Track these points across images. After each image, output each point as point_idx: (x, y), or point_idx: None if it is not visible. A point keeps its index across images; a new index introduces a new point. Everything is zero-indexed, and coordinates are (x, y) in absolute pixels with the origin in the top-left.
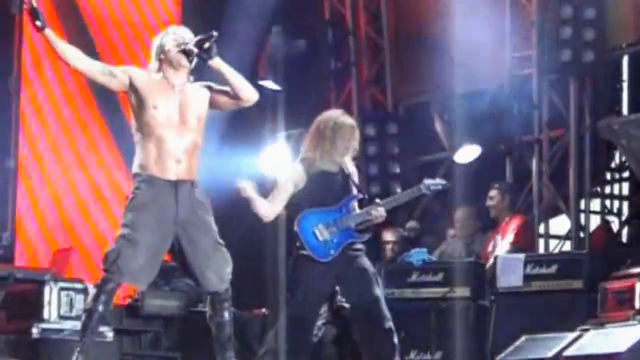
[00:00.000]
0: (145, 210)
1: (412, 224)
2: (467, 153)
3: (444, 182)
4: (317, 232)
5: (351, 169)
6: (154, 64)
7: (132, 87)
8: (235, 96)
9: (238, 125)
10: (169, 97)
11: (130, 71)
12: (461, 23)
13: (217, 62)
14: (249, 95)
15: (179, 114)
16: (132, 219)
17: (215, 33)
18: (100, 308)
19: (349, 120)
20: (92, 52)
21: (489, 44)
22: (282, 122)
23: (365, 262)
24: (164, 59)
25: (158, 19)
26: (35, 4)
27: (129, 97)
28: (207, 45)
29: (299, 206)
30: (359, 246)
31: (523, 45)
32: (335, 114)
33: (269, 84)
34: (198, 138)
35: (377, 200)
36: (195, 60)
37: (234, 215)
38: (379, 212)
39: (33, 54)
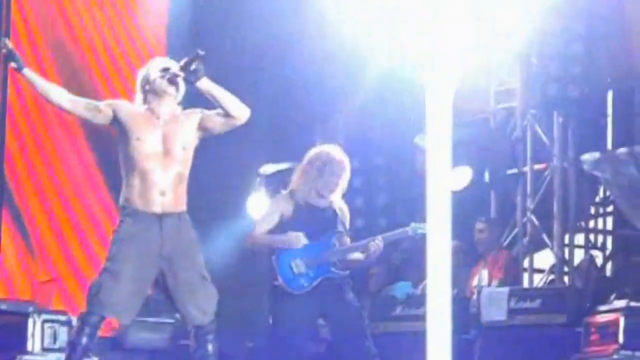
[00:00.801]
0: (129, 244)
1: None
2: (458, 177)
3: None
4: (293, 265)
5: (340, 205)
6: (139, 95)
7: (116, 120)
8: (226, 114)
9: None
10: (153, 129)
11: (115, 104)
12: None
13: (204, 83)
14: (240, 112)
15: (162, 145)
16: (115, 252)
17: (201, 52)
18: (84, 341)
19: (339, 156)
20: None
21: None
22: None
23: (350, 296)
24: (149, 90)
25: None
26: (10, 46)
27: (113, 129)
28: (193, 66)
29: None
30: (344, 280)
31: (508, 79)
32: (327, 149)
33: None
34: (184, 169)
35: (379, 237)
36: (181, 87)
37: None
38: (380, 246)
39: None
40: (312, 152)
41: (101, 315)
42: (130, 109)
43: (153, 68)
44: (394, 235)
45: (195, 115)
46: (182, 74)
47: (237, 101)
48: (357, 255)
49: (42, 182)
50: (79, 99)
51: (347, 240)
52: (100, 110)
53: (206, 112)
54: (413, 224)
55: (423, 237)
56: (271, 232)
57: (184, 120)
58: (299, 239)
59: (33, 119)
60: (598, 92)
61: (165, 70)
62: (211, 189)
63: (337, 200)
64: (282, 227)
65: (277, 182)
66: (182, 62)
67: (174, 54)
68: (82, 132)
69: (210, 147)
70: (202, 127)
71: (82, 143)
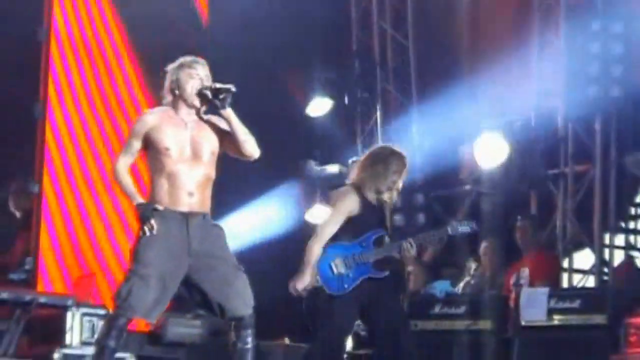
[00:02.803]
0: (156, 244)
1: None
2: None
3: (472, 224)
4: (333, 265)
5: (390, 204)
6: (167, 96)
7: (144, 138)
8: (238, 148)
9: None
10: (182, 135)
11: (141, 131)
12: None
13: (228, 113)
14: (252, 152)
15: (191, 150)
16: (142, 253)
17: (233, 89)
18: (112, 344)
19: (401, 153)
20: None
21: (516, 78)
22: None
23: (390, 296)
24: (178, 96)
25: None
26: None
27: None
28: (222, 95)
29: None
30: (384, 281)
31: (550, 79)
32: (390, 146)
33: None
34: (211, 171)
35: (411, 240)
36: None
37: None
38: (410, 249)
39: (63, 77)
40: (375, 148)
41: (130, 317)
42: (156, 121)
43: (183, 74)
44: (434, 235)
45: (221, 125)
46: (210, 96)
47: (252, 141)
48: (395, 255)
49: (87, 179)
50: (126, 166)
51: (386, 240)
52: (136, 151)
53: (225, 130)
54: (454, 222)
55: (463, 235)
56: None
57: (211, 126)
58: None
59: (71, 116)
60: (639, 92)
61: (198, 87)
62: None
63: (389, 199)
64: (348, 224)
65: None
66: (214, 85)
67: None
68: (114, 132)
69: None
70: (220, 141)
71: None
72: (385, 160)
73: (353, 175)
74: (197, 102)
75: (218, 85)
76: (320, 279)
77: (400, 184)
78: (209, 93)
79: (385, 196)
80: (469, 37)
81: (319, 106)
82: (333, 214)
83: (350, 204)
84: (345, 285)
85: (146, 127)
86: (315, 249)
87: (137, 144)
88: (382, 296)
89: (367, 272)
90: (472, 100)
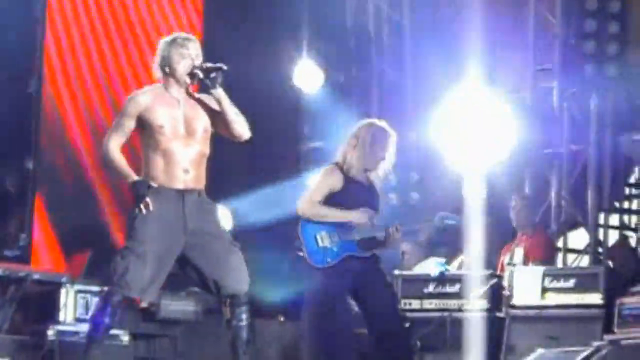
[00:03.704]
0: (153, 222)
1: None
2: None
3: (457, 218)
4: (318, 237)
5: (379, 183)
6: (158, 72)
7: (138, 118)
8: (228, 128)
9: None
10: (175, 113)
11: (133, 110)
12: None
13: (219, 93)
14: (241, 132)
15: (184, 127)
16: (138, 231)
17: (225, 67)
18: (107, 320)
19: (388, 131)
20: None
21: (512, 56)
22: None
23: (379, 274)
24: (169, 73)
25: (180, 23)
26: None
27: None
28: (213, 75)
29: None
30: (370, 259)
31: (546, 58)
32: (377, 123)
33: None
34: (205, 148)
35: (397, 225)
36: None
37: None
38: (395, 235)
39: (55, 55)
40: (360, 125)
41: (125, 295)
42: (148, 101)
43: (174, 51)
44: (422, 227)
45: (212, 104)
46: (201, 75)
47: (243, 122)
48: (379, 237)
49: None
50: (117, 141)
51: (374, 220)
52: (129, 131)
53: (216, 110)
54: (441, 214)
55: (449, 227)
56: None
57: (202, 104)
58: (365, 217)
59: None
60: (634, 72)
61: (188, 66)
62: None
63: (377, 178)
64: (333, 202)
65: None
66: (205, 65)
67: None
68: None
69: None
70: (211, 119)
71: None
72: (369, 137)
73: (339, 154)
74: (187, 80)
75: (209, 65)
76: (305, 250)
77: (389, 162)
78: (200, 73)
79: (374, 174)
80: (468, 16)
81: (310, 79)
82: (311, 189)
83: (331, 181)
84: (328, 259)
85: (139, 108)
86: (320, 210)
87: (130, 124)
88: (370, 276)
89: (351, 250)
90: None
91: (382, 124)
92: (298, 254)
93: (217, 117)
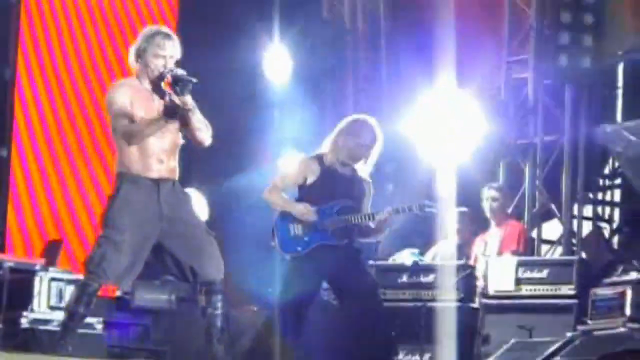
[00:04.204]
0: (130, 211)
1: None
2: None
3: (437, 206)
4: (291, 226)
5: (366, 177)
6: (134, 65)
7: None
8: (190, 133)
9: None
10: (151, 106)
11: (127, 97)
12: (460, 25)
13: (184, 100)
14: (202, 140)
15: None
16: (116, 220)
17: (194, 80)
18: (82, 309)
19: (372, 125)
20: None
21: (486, 47)
22: None
23: (354, 262)
24: (142, 68)
25: (158, 15)
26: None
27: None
28: (181, 84)
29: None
30: (345, 248)
31: (520, 50)
32: (362, 118)
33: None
34: (178, 138)
35: (371, 212)
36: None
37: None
38: (388, 220)
39: (30, 43)
40: (346, 120)
41: (101, 283)
42: (130, 93)
43: (151, 52)
44: (400, 210)
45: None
46: (170, 80)
47: (206, 130)
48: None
49: (56, 143)
50: (124, 120)
51: (359, 210)
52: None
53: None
54: (422, 202)
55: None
56: (287, 190)
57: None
58: (309, 213)
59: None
60: (609, 64)
61: (158, 58)
62: None
63: (363, 171)
64: (304, 188)
65: None
66: (176, 72)
67: None
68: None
69: None
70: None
71: (90, 108)
72: (352, 130)
73: (324, 144)
74: (157, 78)
75: (179, 73)
76: (276, 240)
77: (375, 154)
78: (169, 77)
79: (361, 166)
80: (442, 5)
81: (280, 68)
82: (277, 176)
83: (300, 171)
84: (299, 248)
85: (126, 95)
86: (272, 196)
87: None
88: (344, 262)
89: (323, 239)
90: (442, 70)
91: (366, 117)
92: (270, 244)
93: (187, 119)
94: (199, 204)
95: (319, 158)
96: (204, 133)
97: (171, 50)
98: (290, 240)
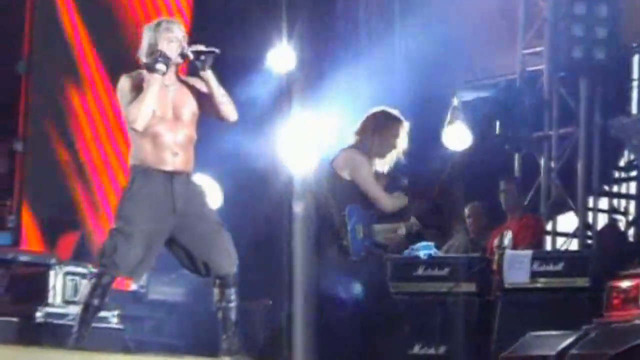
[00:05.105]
0: (142, 203)
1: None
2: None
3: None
4: (356, 229)
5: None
6: (144, 58)
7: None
8: (215, 110)
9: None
10: (164, 98)
11: (136, 88)
12: (475, 16)
13: (208, 75)
14: (228, 114)
15: (172, 112)
16: (128, 212)
17: (217, 51)
18: (96, 302)
19: (398, 117)
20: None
21: (501, 38)
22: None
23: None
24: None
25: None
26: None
27: None
28: (203, 57)
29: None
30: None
31: (535, 42)
32: (386, 110)
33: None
34: (192, 132)
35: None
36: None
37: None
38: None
39: (44, 37)
40: (372, 112)
41: (115, 276)
42: (140, 83)
43: (160, 36)
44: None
45: (199, 87)
46: (192, 56)
47: (230, 105)
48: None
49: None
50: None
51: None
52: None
53: (204, 92)
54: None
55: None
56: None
57: (190, 88)
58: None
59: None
60: (623, 56)
61: (172, 41)
62: None
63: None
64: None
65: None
66: (197, 48)
67: None
68: (103, 87)
69: None
70: (198, 102)
71: (104, 97)
72: (382, 125)
73: (356, 140)
74: (180, 60)
75: (201, 48)
76: (349, 241)
77: (400, 149)
78: (189, 54)
79: (380, 162)
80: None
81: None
82: (373, 186)
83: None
84: (362, 253)
85: (135, 84)
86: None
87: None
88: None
89: (374, 247)
90: (456, 61)
91: (391, 110)
92: (342, 243)
93: (205, 99)
94: (212, 192)
95: (362, 153)
96: (229, 107)
97: (179, 32)
98: (357, 242)
